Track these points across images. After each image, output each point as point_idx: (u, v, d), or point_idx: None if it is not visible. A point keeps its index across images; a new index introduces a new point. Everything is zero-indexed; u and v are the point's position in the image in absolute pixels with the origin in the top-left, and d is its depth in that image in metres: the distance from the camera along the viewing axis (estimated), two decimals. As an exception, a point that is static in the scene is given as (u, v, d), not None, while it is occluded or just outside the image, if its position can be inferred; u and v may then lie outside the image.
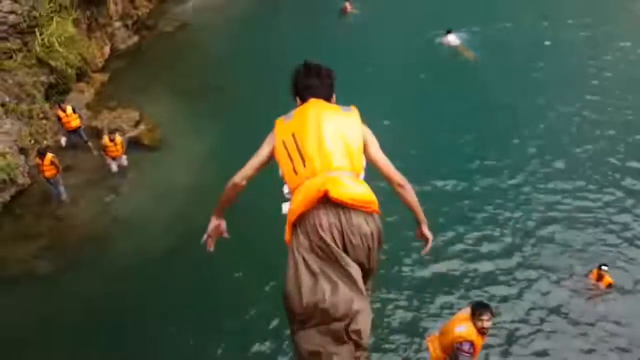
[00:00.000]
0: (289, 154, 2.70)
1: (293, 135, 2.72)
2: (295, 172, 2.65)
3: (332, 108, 2.91)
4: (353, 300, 2.42)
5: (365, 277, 2.56)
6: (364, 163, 2.78)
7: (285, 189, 2.81)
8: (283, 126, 2.88)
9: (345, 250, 2.45)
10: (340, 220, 2.45)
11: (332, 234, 2.45)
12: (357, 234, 2.46)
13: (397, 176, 2.83)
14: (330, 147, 2.64)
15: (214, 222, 3.36)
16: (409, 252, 10.29)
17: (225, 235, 3.38)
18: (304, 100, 2.99)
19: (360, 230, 2.46)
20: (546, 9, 20.97)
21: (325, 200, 2.46)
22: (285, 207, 2.73)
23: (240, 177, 2.96)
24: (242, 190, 3.02)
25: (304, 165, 2.61)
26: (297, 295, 2.46)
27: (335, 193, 2.44)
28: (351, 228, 2.45)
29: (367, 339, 2.53)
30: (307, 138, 2.66)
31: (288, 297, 2.53)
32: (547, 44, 18.62)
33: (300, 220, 2.55)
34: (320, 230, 2.46)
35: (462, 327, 5.72)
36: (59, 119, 12.95)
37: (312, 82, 3.02)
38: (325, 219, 2.45)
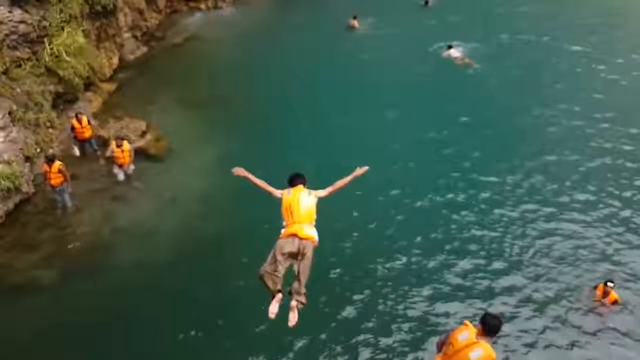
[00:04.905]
0: (287, 211, 5.91)
1: (290, 205, 5.91)
2: (287, 219, 5.90)
3: (305, 192, 6.03)
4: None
5: (305, 261, 5.70)
6: (315, 217, 5.96)
7: (284, 223, 5.94)
8: (287, 197, 5.99)
9: (298, 251, 5.69)
10: (298, 242, 5.73)
11: (291, 245, 5.71)
12: (304, 247, 5.71)
13: (329, 190, 6.13)
14: (302, 213, 5.86)
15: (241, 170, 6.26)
16: (410, 270, 10.31)
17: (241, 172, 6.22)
18: (292, 185, 6.13)
19: (305, 245, 5.73)
20: (549, 23, 21.14)
21: (294, 235, 5.77)
22: (282, 230, 5.91)
23: (264, 185, 6.14)
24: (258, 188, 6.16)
25: (292, 217, 5.86)
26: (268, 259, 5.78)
27: (300, 235, 5.75)
28: (302, 244, 5.72)
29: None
30: (294, 208, 5.88)
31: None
32: (552, 59, 18.68)
33: (284, 237, 5.86)
34: (287, 244, 5.76)
35: (479, 352, 5.37)
36: (73, 128, 12.92)
37: (297, 181, 6.17)
38: (290, 240, 5.76)
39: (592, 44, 19.60)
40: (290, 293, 5.63)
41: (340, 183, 6.08)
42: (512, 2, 23.44)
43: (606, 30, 20.82)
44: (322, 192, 6.07)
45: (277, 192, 6.05)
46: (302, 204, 5.86)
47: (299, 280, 5.63)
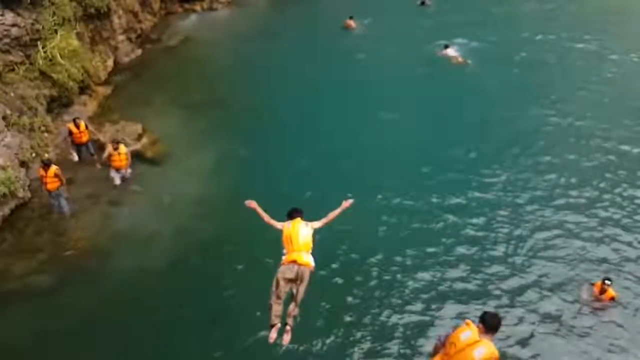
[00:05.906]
0: (287, 241, 6.67)
1: (290, 235, 6.68)
2: (288, 247, 6.65)
3: (302, 223, 6.83)
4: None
5: (303, 284, 6.48)
6: (311, 245, 6.73)
7: (284, 251, 6.69)
8: (287, 229, 6.76)
9: (297, 277, 6.45)
10: (297, 268, 6.49)
11: (291, 272, 6.48)
12: (302, 272, 6.48)
13: (323, 221, 6.94)
14: (300, 242, 6.64)
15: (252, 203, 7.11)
16: (409, 272, 10.31)
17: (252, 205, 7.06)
18: (292, 218, 6.90)
19: (303, 270, 6.50)
20: (546, 22, 21.17)
21: (294, 261, 6.54)
22: (283, 257, 6.65)
23: (268, 219, 6.94)
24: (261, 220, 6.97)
25: (292, 246, 6.62)
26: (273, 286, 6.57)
27: (299, 261, 6.52)
28: (301, 270, 6.48)
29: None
30: (293, 238, 6.66)
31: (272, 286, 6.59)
32: (548, 59, 18.70)
33: (285, 264, 6.63)
34: (287, 270, 6.54)
35: (481, 350, 5.32)
36: (70, 133, 12.82)
37: (295, 214, 6.93)
38: (290, 266, 6.53)
39: (590, 43, 19.62)
40: (287, 315, 6.36)
41: (331, 215, 6.99)
42: (508, 1, 23.48)
43: (604, 29, 20.85)
44: (317, 224, 6.94)
45: (279, 225, 6.87)
46: (300, 235, 6.69)
47: (295, 301, 6.42)
